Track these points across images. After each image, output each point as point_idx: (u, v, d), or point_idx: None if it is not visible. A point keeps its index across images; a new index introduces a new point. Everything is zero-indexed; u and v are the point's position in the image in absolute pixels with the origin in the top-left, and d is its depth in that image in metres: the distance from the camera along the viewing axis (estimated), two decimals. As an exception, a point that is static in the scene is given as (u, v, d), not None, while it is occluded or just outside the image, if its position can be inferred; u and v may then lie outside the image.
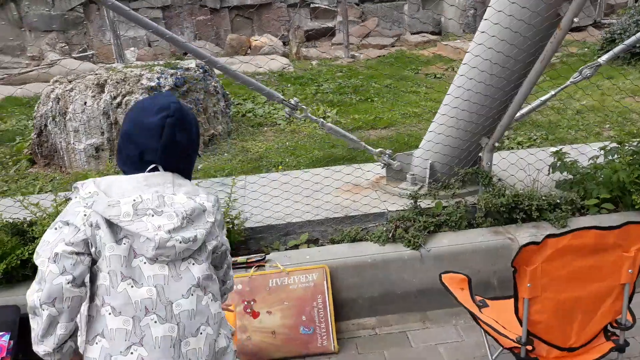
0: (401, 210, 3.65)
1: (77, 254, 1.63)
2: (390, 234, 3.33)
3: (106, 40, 10.63)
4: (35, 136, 6.10)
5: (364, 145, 3.86)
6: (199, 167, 6.05)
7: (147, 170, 1.72)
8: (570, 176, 3.91)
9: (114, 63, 8.89)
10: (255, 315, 3.05)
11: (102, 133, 5.98)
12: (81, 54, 10.37)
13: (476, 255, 3.39)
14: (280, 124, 7.51)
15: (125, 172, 1.77)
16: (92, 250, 1.65)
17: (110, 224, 1.64)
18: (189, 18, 11.23)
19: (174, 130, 1.71)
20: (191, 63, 6.79)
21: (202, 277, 1.73)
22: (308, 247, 3.57)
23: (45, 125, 6.04)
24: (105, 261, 1.65)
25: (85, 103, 5.90)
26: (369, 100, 8.49)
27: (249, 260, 3.16)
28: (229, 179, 4.55)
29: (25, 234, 3.21)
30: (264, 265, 3.17)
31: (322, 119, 3.74)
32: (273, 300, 3.09)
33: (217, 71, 7.77)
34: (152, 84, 6.12)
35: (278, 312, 3.08)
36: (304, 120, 3.76)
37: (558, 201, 3.64)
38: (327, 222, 3.67)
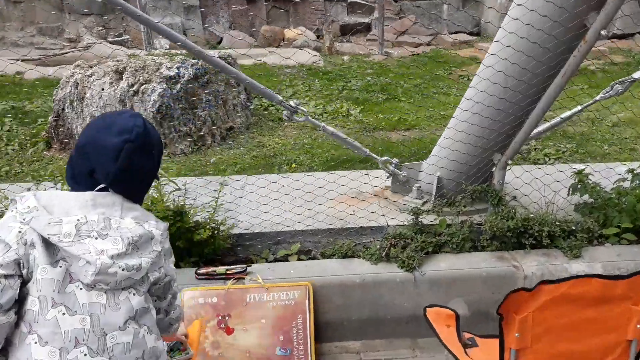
0: (400, 225, 3.35)
1: (7, 277, 1.43)
2: (384, 253, 3.03)
3: (143, 27, 10.53)
4: (52, 119, 6.01)
5: (368, 152, 3.56)
6: (212, 160, 5.85)
7: (96, 189, 1.57)
8: (591, 200, 3.51)
9: (150, 48, 8.79)
10: (229, 331, 2.81)
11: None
12: (117, 39, 10.32)
13: (476, 282, 3.06)
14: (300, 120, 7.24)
15: (72, 188, 1.61)
16: (24, 271, 1.46)
17: (48, 244, 1.47)
18: (226, 7, 11.05)
19: (133, 156, 1.57)
20: (215, 54, 6.57)
21: (140, 309, 1.58)
22: (298, 258, 3.31)
23: (63, 109, 5.94)
24: (36, 284, 1.46)
25: (102, 89, 5.77)
26: (396, 99, 8.13)
27: (228, 272, 2.92)
28: (228, 179, 4.34)
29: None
30: (243, 278, 2.93)
31: (323, 123, 3.46)
32: (250, 316, 2.85)
33: (240, 63, 7.56)
34: (171, 73, 5.94)
35: (254, 330, 2.83)
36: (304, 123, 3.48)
37: (573, 228, 3.26)
38: (321, 233, 3.40)
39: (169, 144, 5.92)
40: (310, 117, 3.36)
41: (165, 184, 3.14)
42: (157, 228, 1.62)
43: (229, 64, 6.58)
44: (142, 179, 1.66)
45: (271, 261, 3.29)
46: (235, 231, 3.37)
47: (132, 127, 1.57)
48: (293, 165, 5.67)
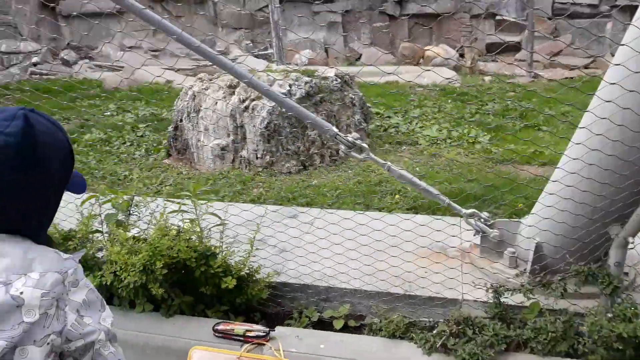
0: (478, 301, 2.53)
1: None
2: (440, 342, 2.25)
3: (287, 41, 10.52)
4: (172, 129, 6.00)
5: (447, 201, 2.76)
6: (313, 183, 5.38)
7: None
8: None
9: (281, 63, 8.65)
10: (237, 408, 2.27)
11: (228, 135, 5.63)
12: (262, 52, 10.40)
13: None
14: (420, 145, 6.47)
15: None
16: None
17: None
18: (367, 24, 10.58)
19: (12, 170, 1.08)
20: (330, 72, 6.11)
21: None
22: (346, 324, 2.65)
23: (181, 120, 5.90)
24: None
25: (215, 103, 5.61)
26: (536, 128, 6.95)
27: (247, 334, 2.37)
28: (305, 210, 3.80)
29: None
30: (264, 344, 2.36)
31: (388, 163, 2.75)
32: (263, 395, 2.27)
33: (372, 80, 7.00)
34: (283, 90, 5.59)
35: (266, 412, 2.25)
36: (364, 161, 2.83)
37: None
38: (380, 296, 2.70)
39: (275, 162, 5.58)
40: (371, 154, 2.69)
41: (203, 215, 2.69)
42: (36, 287, 1.06)
43: (344, 81, 6.08)
44: (31, 203, 1.15)
45: (313, 322, 2.68)
46: (282, 278, 2.82)
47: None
48: (397, 196, 4.97)
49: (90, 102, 8.43)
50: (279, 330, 2.43)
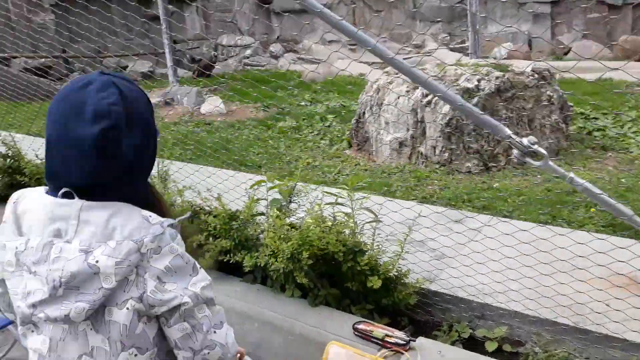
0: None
1: None
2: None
3: (487, 34, 9.89)
4: (354, 121, 6.07)
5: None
6: (494, 186, 4.94)
7: (60, 193, 1.15)
8: None
9: (475, 56, 8.16)
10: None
11: (408, 129, 5.49)
12: (459, 46, 9.95)
13: None
14: (632, 152, 5.52)
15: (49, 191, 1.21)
16: None
17: None
18: (581, 15, 9.37)
19: (115, 145, 1.13)
20: (526, 66, 5.54)
21: (109, 352, 1.15)
22: (499, 347, 2.35)
23: (364, 113, 5.93)
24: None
25: (398, 97, 5.50)
26: None
27: (386, 339, 2.22)
28: (474, 216, 3.47)
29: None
30: (402, 353, 2.19)
31: (570, 174, 2.31)
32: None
33: (581, 76, 6.21)
34: (470, 85, 5.24)
35: None
36: (543, 170, 2.44)
37: None
38: (544, 324, 2.33)
39: (454, 160, 5.28)
40: (550, 162, 2.29)
41: (357, 209, 2.61)
42: (111, 255, 1.10)
43: (542, 77, 5.47)
44: (125, 172, 1.17)
45: (463, 339, 2.43)
46: (434, 286, 2.62)
47: (107, 107, 1.11)
48: (592, 210, 4.31)
49: (289, 92, 9.02)
50: (421, 341, 2.25)
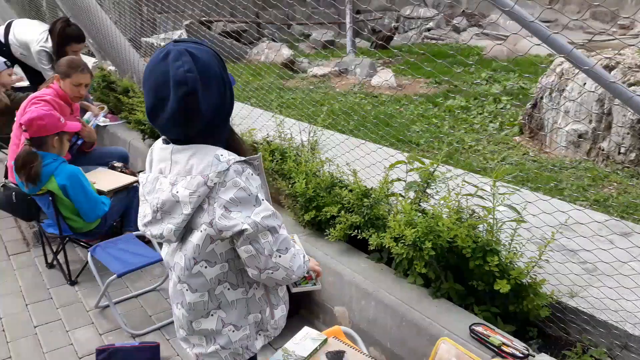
0: None
1: None
2: None
3: None
4: (529, 106, 5.55)
5: None
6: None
7: (162, 139, 1.47)
8: None
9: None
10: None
11: (590, 121, 4.87)
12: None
13: None
14: None
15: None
16: None
17: None
18: None
19: (195, 108, 1.32)
20: None
21: (183, 266, 1.46)
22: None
23: (542, 98, 5.38)
24: None
25: (584, 84, 4.88)
26: None
27: (502, 348, 2.03)
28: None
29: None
30: (518, 368, 1.99)
31: None
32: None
33: None
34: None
35: None
36: None
37: None
38: None
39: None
40: None
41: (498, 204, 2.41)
42: (186, 187, 1.33)
43: None
44: (204, 125, 1.36)
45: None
46: (573, 302, 2.33)
47: (184, 76, 1.28)
48: None
49: (465, 69, 8.57)
50: (543, 358, 2.02)
